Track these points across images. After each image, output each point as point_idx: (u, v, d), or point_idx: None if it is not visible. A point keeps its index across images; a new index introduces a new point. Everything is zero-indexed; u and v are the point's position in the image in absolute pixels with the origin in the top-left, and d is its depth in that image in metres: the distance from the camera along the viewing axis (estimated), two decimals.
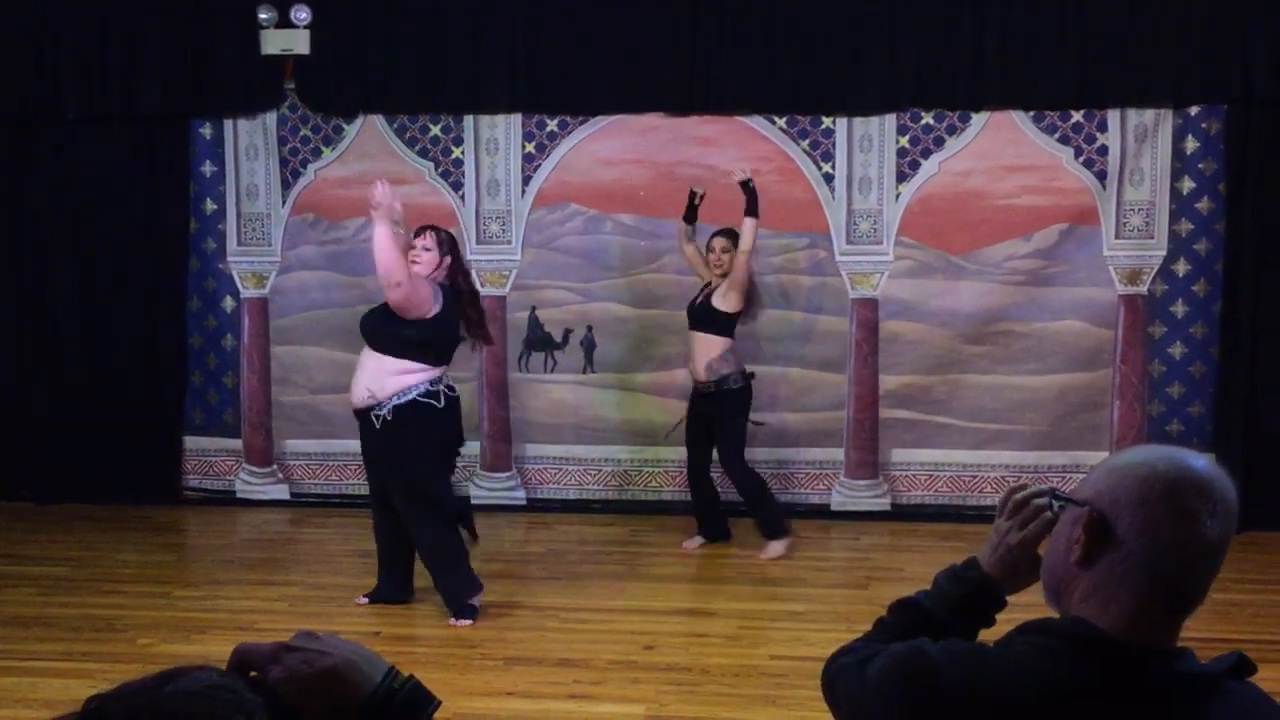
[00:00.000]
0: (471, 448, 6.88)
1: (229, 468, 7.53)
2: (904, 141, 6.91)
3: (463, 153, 7.19)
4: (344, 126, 7.25)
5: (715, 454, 6.38)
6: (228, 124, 7.33)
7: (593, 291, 7.16)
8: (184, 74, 7.16)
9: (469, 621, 5.20)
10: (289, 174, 7.31)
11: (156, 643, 4.96)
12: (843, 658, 1.65)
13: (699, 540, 6.45)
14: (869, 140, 6.93)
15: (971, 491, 7.02)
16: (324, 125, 7.27)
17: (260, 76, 7.15)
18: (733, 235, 6.26)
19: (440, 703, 1.25)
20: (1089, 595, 1.46)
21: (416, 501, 5.19)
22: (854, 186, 6.96)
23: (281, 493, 7.46)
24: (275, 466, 7.48)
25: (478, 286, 5.96)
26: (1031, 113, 6.80)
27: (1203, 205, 6.77)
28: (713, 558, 6.33)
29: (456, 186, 7.19)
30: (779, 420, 7.03)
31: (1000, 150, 6.84)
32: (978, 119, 6.85)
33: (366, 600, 5.48)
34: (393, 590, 5.46)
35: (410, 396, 5.11)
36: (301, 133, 7.29)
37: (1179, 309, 6.85)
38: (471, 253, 7.01)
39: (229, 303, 7.46)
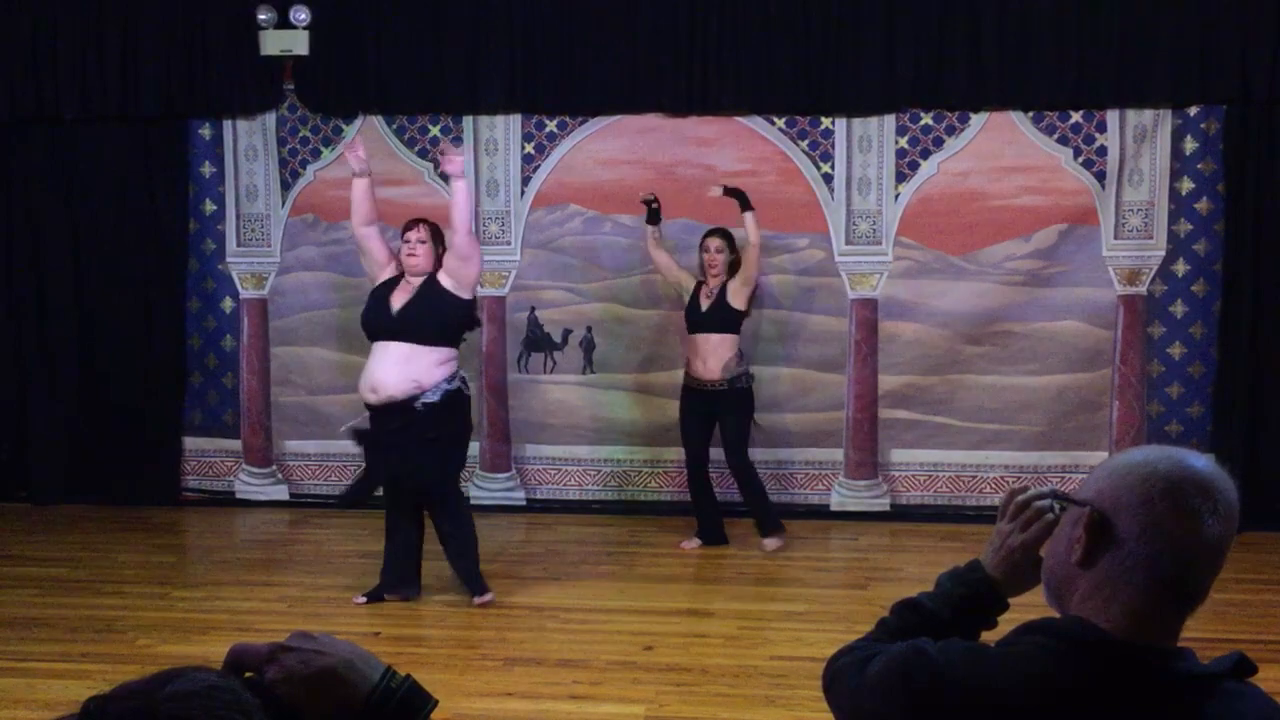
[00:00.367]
0: (471, 448, 6.85)
1: (228, 468, 7.52)
2: (903, 142, 6.91)
3: (462, 153, 7.18)
4: (343, 127, 7.25)
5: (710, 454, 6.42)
6: (227, 125, 7.33)
7: (592, 292, 7.16)
8: (183, 74, 7.15)
9: (491, 595, 5.43)
10: (288, 175, 7.31)
11: (156, 644, 4.95)
12: (843, 658, 1.65)
13: (697, 542, 6.46)
14: (868, 141, 6.93)
15: (971, 491, 7.02)
16: (323, 126, 7.27)
17: (259, 77, 7.15)
18: (726, 235, 6.29)
19: (437, 702, 1.25)
20: (1090, 595, 1.46)
21: (450, 489, 5.41)
22: (853, 187, 6.96)
23: (281, 493, 7.46)
24: (275, 467, 7.48)
25: None
26: (1030, 113, 6.81)
27: (1202, 205, 6.78)
28: (712, 558, 6.33)
29: None
30: (779, 421, 7.03)
31: (999, 151, 6.84)
32: (977, 119, 6.85)
33: (365, 600, 5.50)
34: (405, 585, 5.51)
35: (454, 385, 5.33)
36: (301, 133, 7.29)
37: (1178, 309, 6.85)
38: None
39: (228, 303, 7.46)
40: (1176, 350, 6.87)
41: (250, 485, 7.47)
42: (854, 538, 6.74)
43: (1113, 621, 1.43)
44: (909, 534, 6.78)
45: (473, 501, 7.06)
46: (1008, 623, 1.60)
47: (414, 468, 5.27)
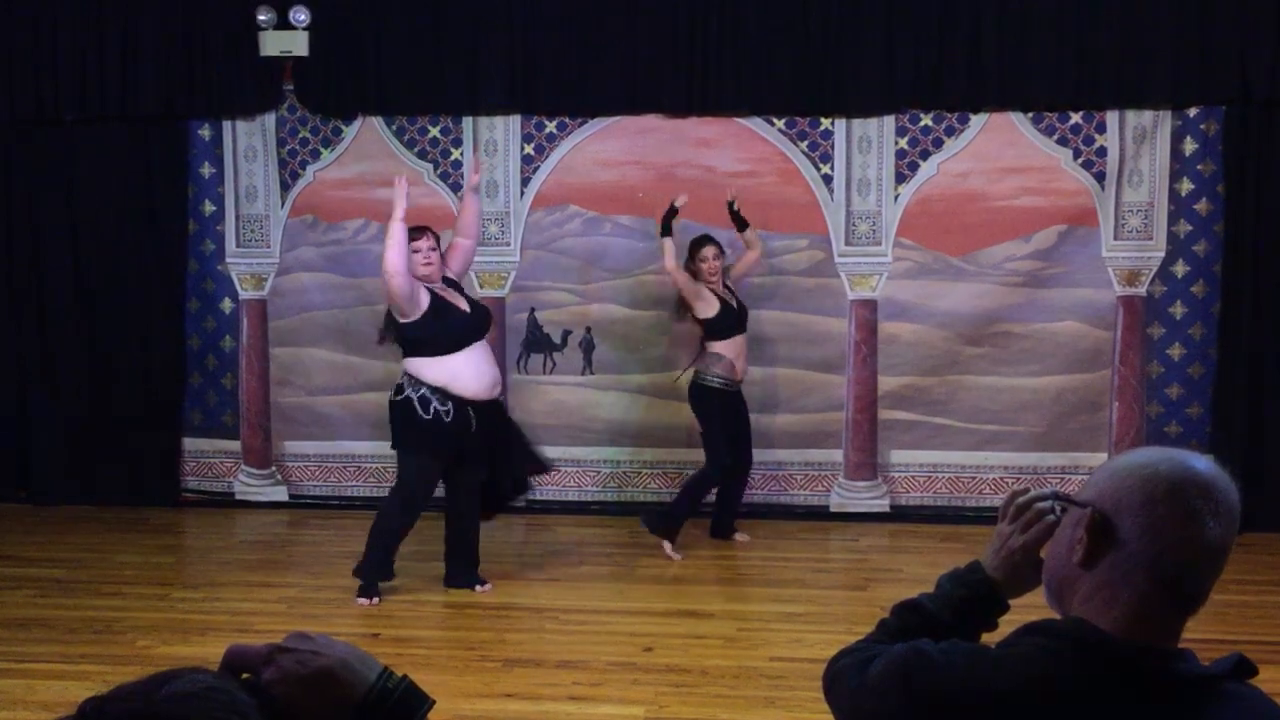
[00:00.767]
0: None
1: (228, 469, 7.52)
2: (903, 143, 6.91)
3: (462, 154, 7.19)
4: (343, 128, 7.25)
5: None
6: (226, 125, 7.33)
7: (592, 293, 7.16)
8: (182, 75, 7.15)
9: (490, 585, 5.67)
10: (288, 175, 7.31)
11: (155, 645, 4.95)
12: (844, 659, 1.64)
13: (746, 536, 6.61)
14: (868, 141, 6.93)
15: (970, 492, 7.02)
16: (323, 127, 7.26)
17: (259, 78, 7.15)
18: (718, 243, 6.31)
19: (434, 702, 1.25)
20: (1091, 596, 1.46)
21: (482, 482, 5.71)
22: (853, 188, 6.96)
23: (280, 494, 7.46)
24: (274, 468, 7.47)
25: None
26: (1030, 114, 6.81)
27: (1201, 206, 6.78)
28: (712, 559, 6.33)
29: (455, 188, 7.18)
30: (779, 421, 7.04)
31: (999, 151, 6.84)
32: (976, 120, 6.85)
33: (489, 586, 5.73)
34: (469, 577, 5.71)
35: None
36: (300, 134, 7.29)
37: (1178, 310, 6.85)
38: None
39: (228, 304, 7.45)
40: (1176, 351, 6.87)
41: (250, 486, 7.47)
42: (853, 539, 6.74)
43: (1114, 623, 1.43)
44: (908, 535, 6.78)
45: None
46: (1008, 624, 1.60)
47: (506, 460, 5.73)
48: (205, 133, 7.36)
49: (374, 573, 5.56)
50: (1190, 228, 6.80)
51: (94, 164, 7.32)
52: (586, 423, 7.22)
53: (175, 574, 6.15)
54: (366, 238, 7.21)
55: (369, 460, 7.22)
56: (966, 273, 6.91)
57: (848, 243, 6.99)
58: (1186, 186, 6.77)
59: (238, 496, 7.47)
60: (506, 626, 5.24)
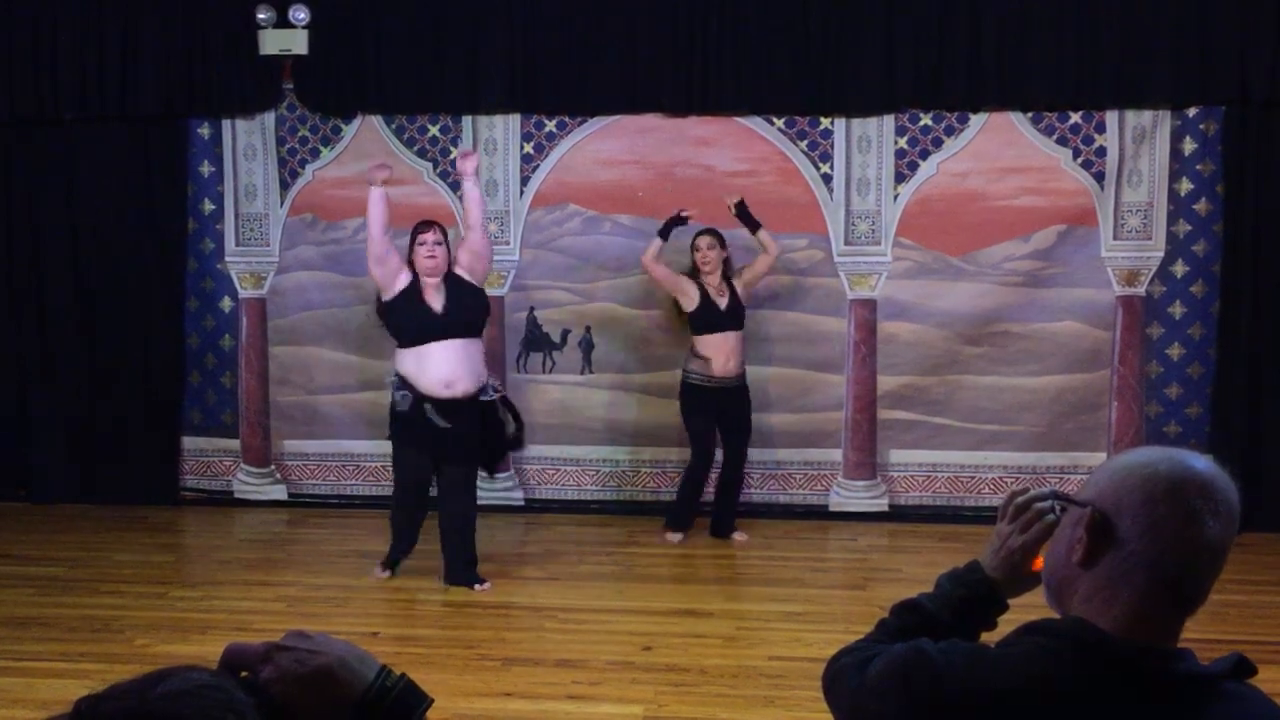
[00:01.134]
0: None
1: (227, 468, 7.52)
2: (902, 142, 6.91)
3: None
4: (342, 127, 7.24)
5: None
6: (226, 124, 7.33)
7: (591, 292, 7.16)
8: (182, 74, 7.15)
9: (489, 584, 5.69)
10: (287, 174, 7.31)
11: (154, 643, 4.95)
12: (843, 658, 1.64)
13: (680, 535, 6.57)
14: (867, 141, 6.93)
15: (970, 492, 7.02)
16: (322, 125, 7.26)
17: (258, 77, 7.14)
18: (716, 233, 6.38)
19: (432, 701, 1.25)
20: (1091, 596, 1.46)
21: (475, 478, 5.76)
22: (852, 187, 6.96)
23: (279, 493, 7.45)
24: (273, 467, 7.47)
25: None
26: (1030, 114, 6.81)
27: (1201, 206, 6.78)
28: (711, 558, 6.33)
29: (455, 187, 7.17)
30: (778, 420, 7.04)
31: (998, 151, 6.84)
32: (976, 120, 6.85)
33: (389, 573, 5.86)
34: (466, 575, 5.74)
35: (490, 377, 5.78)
36: (300, 133, 7.29)
37: (1177, 310, 6.85)
38: None
39: (227, 303, 7.45)
40: (1175, 351, 6.87)
41: (249, 485, 7.47)
42: (853, 538, 6.74)
43: (1113, 622, 1.43)
44: (908, 534, 6.78)
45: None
46: (1007, 623, 1.60)
47: (475, 454, 5.72)
48: (205, 131, 7.35)
49: (392, 551, 5.85)
50: (1189, 228, 6.80)
51: (94, 163, 7.31)
52: (585, 422, 7.22)
53: (174, 572, 6.14)
54: (366, 237, 7.19)
55: (368, 459, 7.23)
56: (966, 272, 6.91)
57: (847, 242, 6.99)
58: (1186, 186, 6.77)
59: (237, 495, 7.47)
60: (505, 625, 5.24)
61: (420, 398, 5.51)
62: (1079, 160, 6.79)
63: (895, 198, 6.94)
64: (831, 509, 7.08)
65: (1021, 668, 1.42)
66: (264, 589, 5.76)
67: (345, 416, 7.32)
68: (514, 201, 7.18)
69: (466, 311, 5.60)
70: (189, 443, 7.52)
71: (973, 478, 7.02)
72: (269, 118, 7.28)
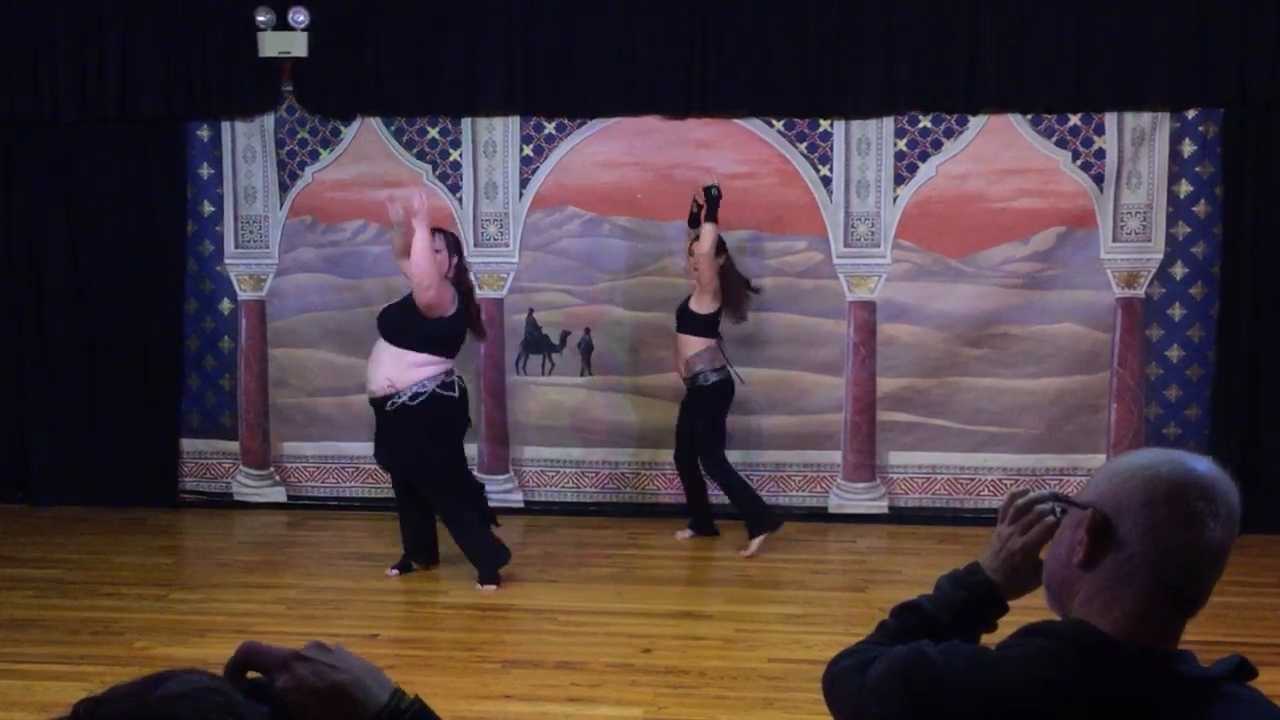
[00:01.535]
0: (469, 450, 6.86)
1: (226, 470, 7.51)
2: (901, 144, 6.92)
3: (460, 155, 7.19)
4: (341, 129, 7.25)
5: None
6: (225, 126, 7.33)
7: (590, 294, 7.16)
8: (181, 76, 7.15)
9: (494, 588, 5.65)
10: (286, 176, 7.31)
11: (154, 646, 4.94)
12: (844, 660, 1.64)
13: (689, 533, 6.62)
14: (866, 143, 6.93)
15: (969, 494, 7.02)
16: (321, 128, 7.26)
17: (258, 79, 7.14)
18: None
19: None
20: (1091, 597, 1.46)
21: (439, 484, 5.70)
22: (851, 189, 6.96)
23: (279, 495, 7.45)
24: (272, 469, 7.47)
25: (475, 285, 6.32)
26: (1029, 116, 6.81)
27: (1200, 208, 6.78)
28: (709, 560, 6.33)
29: (454, 189, 7.19)
30: (777, 422, 7.04)
31: (997, 153, 6.84)
32: (975, 122, 6.85)
33: (396, 572, 5.92)
34: (427, 556, 5.96)
35: (430, 388, 5.59)
36: (299, 135, 7.29)
37: (1176, 312, 6.85)
38: (469, 255, 7.00)
39: (226, 305, 7.45)
40: (1175, 353, 6.87)
41: (248, 487, 7.47)
42: (852, 540, 6.73)
43: (1114, 624, 1.43)
44: (907, 536, 6.78)
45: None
46: (1008, 624, 1.59)
47: (400, 460, 5.72)
48: (204, 134, 7.35)
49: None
50: (1189, 229, 6.81)
51: (93, 165, 7.31)
52: (585, 424, 7.22)
53: (173, 575, 6.14)
54: (365, 239, 7.21)
55: (367, 461, 7.18)
56: (965, 274, 6.91)
57: (846, 244, 6.99)
58: (1185, 188, 6.77)
59: (236, 497, 7.47)
60: (505, 627, 5.24)
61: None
62: (1078, 162, 6.79)
63: (894, 200, 6.94)
64: (831, 511, 7.08)
65: (1022, 670, 1.42)
66: (263, 591, 5.75)
67: (344, 419, 7.31)
68: (513, 204, 7.18)
69: (394, 323, 5.62)
70: (188, 445, 7.51)
71: (972, 480, 7.02)
72: (268, 120, 7.28)
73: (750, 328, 6.70)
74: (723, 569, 6.21)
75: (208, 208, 7.41)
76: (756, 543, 6.28)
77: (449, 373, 5.66)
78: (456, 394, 5.68)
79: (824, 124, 6.95)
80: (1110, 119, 6.75)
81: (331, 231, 7.29)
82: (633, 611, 5.42)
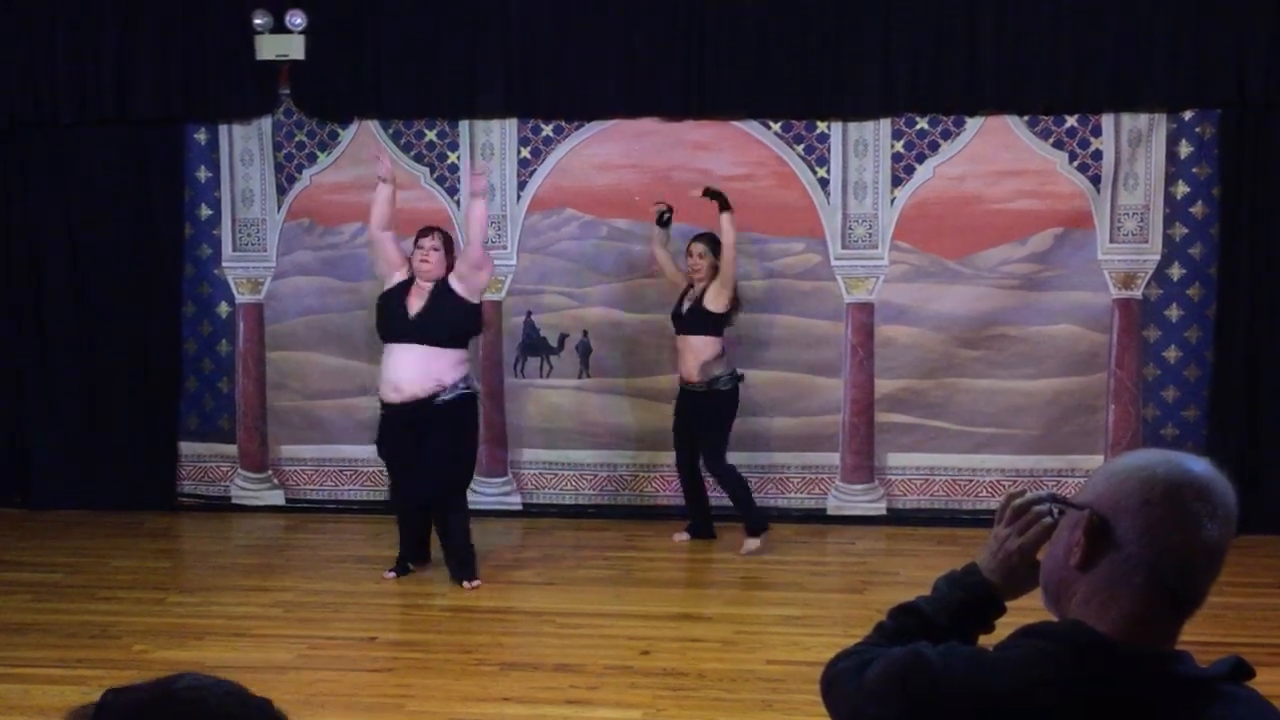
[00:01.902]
0: None
1: (224, 473, 7.51)
2: (899, 146, 6.92)
3: (458, 158, 7.19)
4: (339, 131, 7.24)
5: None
6: (223, 129, 7.33)
7: (588, 296, 7.16)
8: (178, 79, 7.14)
9: (479, 581, 5.74)
10: (284, 179, 7.31)
11: (152, 649, 4.94)
12: (841, 662, 1.64)
13: (685, 536, 6.61)
14: (864, 145, 6.93)
15: (967, 495, 7.02)
16: (319, 130, 7.26)
17: (255, 81, 7.14)
18: (711, 239, 6.33)
19: None
20: (1088, 598, 1.46)
21: (459, 486, 5.77)
22: (849, 191, 6.97)
23: (277, 498, 7.44)
24: (270, 472, 7.46)
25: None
26: (1026, 117, 6.81)
27: (1197, 209, 6.78)
28: (708, 562, 6.33)
29: (452, 192, 7.19)
30: (775, 424, 7.04)
31: (995, 155, 6.85)
32: (972, 124, 6.86)
33: (394, 575, 5.92)
34: (423, 555, 5.98)
35: (462, 388, 5.71)
36: (297, 138, 7.28)
37: (1173, 313, 6.86)
38: None
39: (224, 308, 7.44)
40: (1172, 354, 6.88)
41: (246, 490, 7.46)
42: (851, 542, 6.73)
43: (1111, 625, 1.43)
44: (905, 538, 6.78)
45: (469, 506, 7.04)
46: (1005, 626, 1.59)
47: (437, 461, 5.65)
48: (201, 136, 7.35)
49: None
50: (1186, 231, 6.81)
51: (91, 167, 7.31)
52: (583, 426, 7.21)
53: (171, 578, 6.13)
54: (363, 242, 7.18)
55: (365, 464, 7.21)
56: (963, 276, 6.92)
57: (844, 246, 6.99)
58: (1182, 189, 6.78)
59: (234, 501, 7.46)
60: (503, 630, 5.24)
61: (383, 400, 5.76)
62: (1075, 164, 6.80)
63: (892, 201, 6.95)
64: (829, 513, 7.07)
65: (1020, 670, 1.42)
66: (261, 594, 5.74)
67: (342, 421, 7.31)
68: (511, 206, 7.17)
69: (441, 322, 5.66)
70: (186, 448, 7.51)
71: (970, 481, 7.02)
72: (266, 123, 7.28)
73: (747, 329, 6.70)
74: (721, 571, 6.21)
75: (205, 211, 7.40)
76: (756, 542, 6.29)
77: (469, 372, 5.89)
78: (475, 392, 5.86)
79: (821, 126, 6.95)
80: (1107, 120, 6.75)
81: (329, 234, 7.29)
82: (631, 614, 5.42)
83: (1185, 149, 6.75)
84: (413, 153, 7.21)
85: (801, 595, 5.69)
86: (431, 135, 7.20)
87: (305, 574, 6.13)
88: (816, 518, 7.04)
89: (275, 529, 7.15)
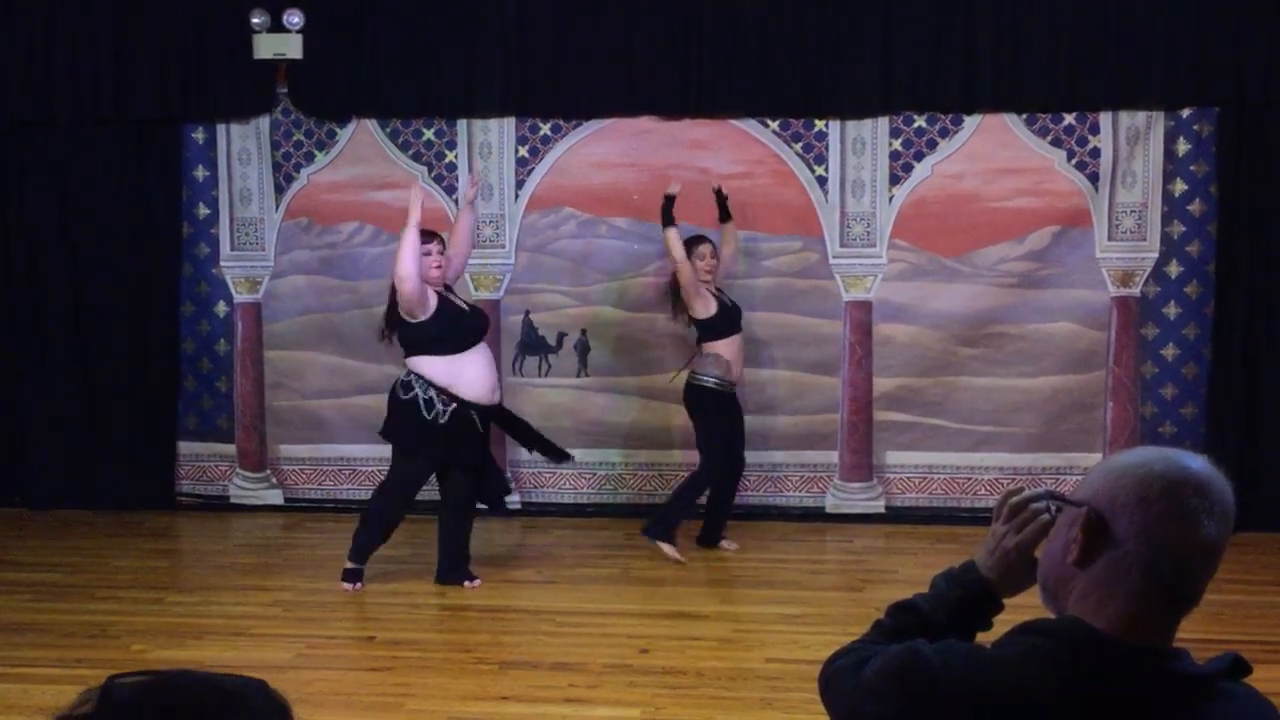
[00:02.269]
0: None
1: (223, 473, 7.51)
2: (897, 144, 6.92)
3: (456, 157, 7.19)
4: (337, 131, 7.24)
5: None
6: (220, 128, 7.32)
7: (587, 295, 7.16)
8: (176, 78, 7.14)
9: (479, 580, 5.76)
10: (282, 178, 7.30)
11: (151, 649, 4.94)
12: (839, 660, 1.64)
13: (734, 544, 6.51)
14: (862, 143, 6.94)
15: (966, 493, 7.02)
16: (317, 129, 7.26)
17: (253, 81, 7.13)
18: (711, 241, 6.33)
19: None
20: (1086, 595, 1.46)
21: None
22: (847, 189, 6.97)
23: (275, 498, 7.44)
24: (269, 471, 7.46)
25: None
26: (1024, 115, 6.81)
27: (1195, 207, 6.79)
28: (706, 561, 6.33)
29: (450, 191, 7.19)
30: (774, 423, 7.04)
31: (993, 153, 6.85)
32: (970, 122, 6.86)
33: (479, 582, 5.82)
34: (459, 573, 5.81)
35: None
36: (295, 137, 7.28)
37: (1171, 310, 6.86)
38: None
39: (222, 307, 7.44)
40: (1170, 351, 6.88)
41: (244, 490, 7.46)
42: (849, 540, 6.74)
43: (1109, 622, 1.43)
44: (904, 536, 6.78)
45: None
46: (1003, 623, 1.60)
47: (489, 465, 5.88)
48: (199, 136, 7.35)
49: (358, 555, 5.80)
50: (1183, 228, 6.81)
51: (88, 167, 7.30)
52: (581, 425, 7.21)
53: (170, 578, 6.13)
54: (361, 241, 7.21)
55: (364, 463, 7.22)
56: (961, 274, 6.92)
57: (842, 244, 6.99)
58: (1180, 187, 6.78)
59: (232, 500, 7.46)
60: (502, 629, 5.24)
61: (464, 405, 5.60)
62: (1073, 161, 6.80)
63: (890, 199, 6.95)
64: (828, 511, 7.08)
65: (1017, 668, 1.42)
66: (260, 594, 5.74)
67: (341, 421, 7.31)
68: (509, 205, 7.17)
69: (480, 314, 5.88)
70: (184, 448, 7.51)
71: (969, 479, 7.03)
72: (263, 122, 7.27)
73: (745, 328, 6.69)
74: (720, 570, 6.22)
75: (203, 210, 7.40)
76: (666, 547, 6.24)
77: None
78: None
79: (819, 124, 6.95)
80: (1105, 118, 6.76)
81: (327, 233, 7.29)
82: (630, 612, 5.43)
83: (1183, 147, 6.76)
84: (410, 152, 7.21)
85: (800, 594, 5.69)
86: (429, 134, 7.20)
87: (304, 573, 6.13)
88: (815, 516, 7.05)
89: (274, 528, 7.15)
